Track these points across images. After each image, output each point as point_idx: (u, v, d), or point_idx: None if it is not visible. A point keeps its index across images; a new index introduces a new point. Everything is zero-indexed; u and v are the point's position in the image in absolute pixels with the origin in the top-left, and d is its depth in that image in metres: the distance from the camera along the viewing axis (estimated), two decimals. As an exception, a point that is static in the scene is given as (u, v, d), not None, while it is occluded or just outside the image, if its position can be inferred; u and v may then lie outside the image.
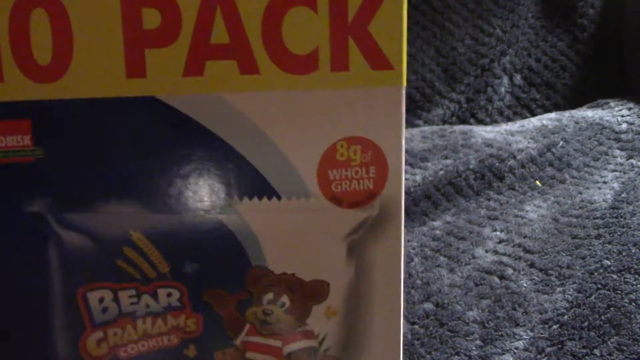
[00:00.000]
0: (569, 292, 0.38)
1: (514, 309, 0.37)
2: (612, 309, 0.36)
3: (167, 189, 0.22)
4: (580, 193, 0.49)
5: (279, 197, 0.22)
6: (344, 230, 0.22)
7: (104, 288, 0.22)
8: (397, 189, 0.22)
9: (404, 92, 0.22)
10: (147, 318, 0.22)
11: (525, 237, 0.44)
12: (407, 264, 0.42)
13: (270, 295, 0.22)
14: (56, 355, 0.22)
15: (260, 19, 0.21)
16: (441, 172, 0.50)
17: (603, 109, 0.61)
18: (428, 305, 0.38)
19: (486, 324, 0.37)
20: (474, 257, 0.42)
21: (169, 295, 0.22)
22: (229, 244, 0.22)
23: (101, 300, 0.22)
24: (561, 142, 0.55)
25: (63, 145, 0.21)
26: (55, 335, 0.22)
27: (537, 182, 0.51)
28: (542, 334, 0.35)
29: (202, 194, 0.22)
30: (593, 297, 0.37)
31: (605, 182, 0.50)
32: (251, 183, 0.22)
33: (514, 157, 0.52)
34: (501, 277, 0.40)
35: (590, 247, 0.41)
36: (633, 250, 0.40)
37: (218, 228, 0.22)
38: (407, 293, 0.40)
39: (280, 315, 0.22)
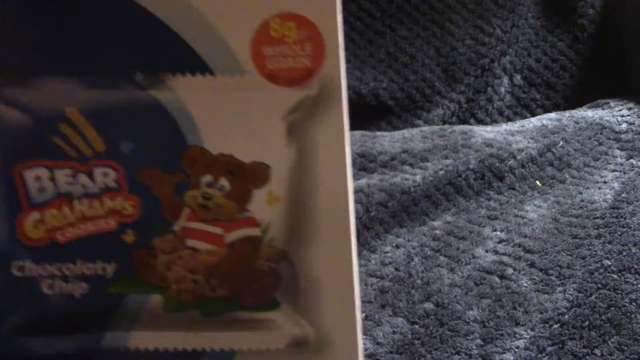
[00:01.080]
0: (570, 292, 0.38)
1: (515, 308, 0.37)
2: (612, 308, 0.36)
3: (100, 63, 0.21)
4: (580, 193, 0.49)
5: (212, 73, 0.21)
6: (282, 109, 0.22)
7: (40, 166, 0.21)
8: (335, 67, 0.22)
9: None
10: (83, 199, 0.22)
11: (525, 237, 0.44)
12: (407, 264, 0.42)
13: (208, 177, 0.22)
14: None
15: None
16: (441, 172, 0.50)
17: (603, 109, 0.61)
18: (428, 305, 0.38)
19: (486, 324, 0.37)
20: (474, 257, 0.42)
21: (105, 175, 0.22)
22: (164, 122, 0.22)
23: (38, 178, 0.21)
24: (561, 142, 0.55)
25: None
26: None
27: (537, 182, 0.51)
28: (542, 333, 0.35)
29: (135, 68, 0.21)
30: (593, 296, 0.37)
31: (605, 182, 0.50)
32: (183, 58, 0.21)
33: (514, 157, 0.52)
34: (501, 277, 0.40)
35: (590, 247, 0.41)
36: (633, 250, 0.40)
37: (152, 105, 0.21)
38: (407, 293, 0.40)
39: (219, 200, 0.22)
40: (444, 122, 0.65)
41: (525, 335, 0.35)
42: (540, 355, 0.34)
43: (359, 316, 0.24)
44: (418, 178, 0.50)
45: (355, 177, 0.52)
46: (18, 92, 0.21)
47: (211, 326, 0.23)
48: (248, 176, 0.22)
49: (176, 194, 0.22)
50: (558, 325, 0.36)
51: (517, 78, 0.67)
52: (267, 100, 0.22)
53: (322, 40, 0.21)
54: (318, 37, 0.21)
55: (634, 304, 0.36)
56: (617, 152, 0.55)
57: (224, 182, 0.22)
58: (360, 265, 0.43)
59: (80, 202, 0.22)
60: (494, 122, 0.65)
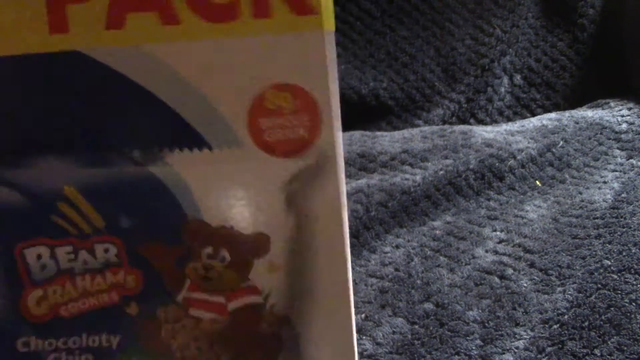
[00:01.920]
0: (569, 292, 0.38)
1: (514, 308, 0.37)
2: (612, 309, 0.36)
3: (96, 141, 0.21)
4: (580, 193, 0.49)
5: (210, 148, 0.22)
6: (280, 181, 0.22)
7: (41, 245, 0.22)
8: (331, 137, 0.22)
9: (328, 36, 0.21)
10: (86, 275, 0.22)
11: (525, 237, 0.44)
12: (407, 264, 0.42)
13: (209, 250, 0.22)
14: None
15: None
16: (441, 172, 0.50)
17: (603, 109, 0.61)
18: (428, 305, 0.38)
19: (486, 324, 0.37)
20: (474, 257, 0.42)
21: (106, 250, 0.22)
22: (163, 197, 0.22)
23: (39, 257, 0.22)
24: (561, 142, 0.55)
25: None
26: None
27: (537, 182, 0.51)
28: (542, 333, 0.35)
29: (132, 146, 0.21)
30: (593, 297, 0.37)
31: (605, 182, 0.50)
32: (180, 134, 0.21)
33: (514, 157, 0.52)
34: (501, 277, 0.40)
35: (590, 247, 0.41)
36: (633, 250, 0.40)
37: (150, 180, 0.22)
38: (407, 293, 0.40)
39: (221, 270, 0.22)
40: (444, 122, 0.65)
41: (525, 336, 0.35)
42: (539, 355, 0.34)
43: None
44: (418, 178, 0.50)
45: (355, 177, 0.52)
46: (14, 173, 0.21)
47: None
48: (249, 247, 0.22)
49: (177, 266, 0.22)
50: (558, 325, 0.36)
51: (517, 78, 0.67)
52: (265, 172, 0.22)
53: (317, 109, 0.22)
54: (314, 107, 0.21)
55: (633, 304, 0.36)
56: (617, 152, 0.55)
57: (225, 253, 0.22)
58: (360, 266, 0.43)
59: (83, 278, 0.22)
60: (494, 122, 0.65)
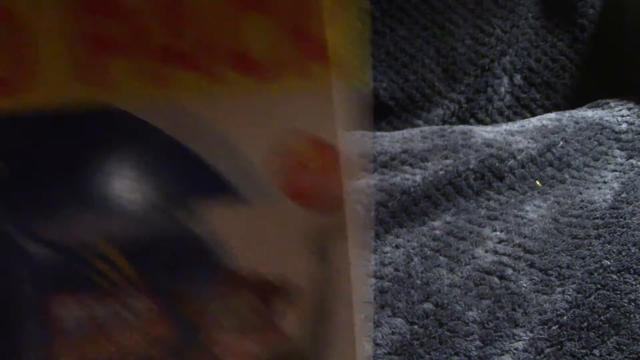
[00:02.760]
0: (569, 293, 0.38)
1: (514, 309, 0.37)
2: (611, 309, 0.36)
3: (130, 196, 0.22)
4: (580, 193, 0.49)
5: (244, 201, 0.22)
6: (311, 233, 0.22)
7: (75, 300, 0.22)
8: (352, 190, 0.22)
9: (363, 95, 0.21)
10: (122, 329, 0.22)
11: (525, 237, 0.44)
12: (406, 264, 0.42)
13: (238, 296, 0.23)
14: None
15: (222, 29, 0.21)
16: (441, 172, 0.50)
17: (603, 109, 0.61)
18: (428, 305, 0.38)
19: (486, 325, 0.37)
20: (473, 257, 0.42)
21: (142, 304, 0.22)
22: (197, 249, 0.22)
23: (73, 311, 0.22)
24: (561, 142, 0.55)
25: (24, 158, 0.21)
26: (26, 351, 0.22)
27: (537, 182, 0.51)
28: (541, 334, 0.35)
29: (166, 199, 0.22)
30: (592, 297, 0.37)
31: (605, 182, 0.50)
32: (214, 187, 0.22)
33: (514, 157, 0.52)
34: (501, 278, 0.40)
35: (590, 247, 0.41)
36: (633, 250, 0.40)
37: (184, 233, 0.22)
38: (406, 293, 0.40)
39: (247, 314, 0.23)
40: (444, 122, 0.65)
41: (524, 337, 0.35)
42: (538, 357, 0.34)
43: None
44: (418, 178, 0.50)
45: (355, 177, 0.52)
46: (47, 229, 0.22)
47: None
48: (276, 294, 0.23)
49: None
50: (557, 326, 0.36)
51: (517, 78, 0.67)
52: (296, 224, 0.22)
53: (342, 166, 0.22)
54: (339, 163, 0.22)
55: (633, 304, 0.36)
56: (617, 152, 0.55)
57: (253, 299, 0.23)
58: (359, 266, 0.43)
59: (119, 334, 0.22)
60: (494, 122, 0.65)
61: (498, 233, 0.44)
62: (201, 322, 0.23)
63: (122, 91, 0.21)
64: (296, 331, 0.23)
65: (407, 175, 0.50)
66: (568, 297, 0.37)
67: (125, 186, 0.22)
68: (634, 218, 0.43)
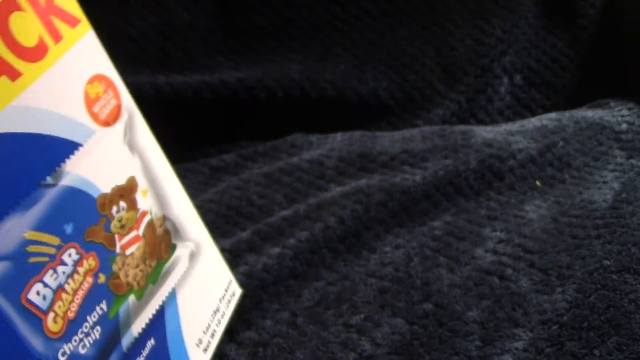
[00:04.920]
0: (569, 293, 0.38)
1: (514, 309, 0.37)
2: (611, 309, 0.36)
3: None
4: (580, 193, 0.49)
5: (81, 145, 0.29)
6: (121, 139, 0.32)
7: (34, 284, 0.26)
8: (128, 99, 0.33)
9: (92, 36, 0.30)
10: (69, 279, 0.28)
11: (525, 237, 0.44)
12: (406, 264, 0.42)
13: (114, 208, 0.31)
14: (34, 354, 0.26)
15: None
16: (441, 172, 0.50)
17: (603, 109, 0.61)
18: (427, 305, 0.38)
19: (486, 325, 0.37)
20: (473, 257, 0.42)
21: (69, 255, 0.28)
22: (81, 199, 0.29)
23: (38, 293, 0.26)
24: (561, 142, 0.55)
25: None
26: (26, 341, 0.26)
27: (537, 182, 0.51)
28: (541, 334, 0.35)
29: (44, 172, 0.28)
30: (593, 297, 0.37)
31: (605, 182, 0.50)
32: (61, 150, 0.28)
33: (514, 157, 0.52)
34: (501, 278, 0.40)
35: (590, 247, 0.41)
36: (633, 250, 0.40)
37: (69, 190, 0.29)
38: (406, 293, 0.40)
39: (126, 216, 0.31)
40: (444, 122, 0.65)
41: (524, 337, 0.35)
42: (539, 356, 0.34)
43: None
44: (418, 178, 0.50)
45: (355, 177, 0.52)
46: None
47: (159, 286, 0.34)
48: (129, 190, 0.32)
49: (106, 231, 0.30)
50: (557, 326, 0.36)
51: (517, 78, 0.67)
52: (115, 139, 0.31)
53: (114, 84, 0.31)
54: (112, 84, 0.31)
55: (633, 304, 0.36)
56: (617, 152, 0.55)
57: (122, 203, 0.31)
58: (359, 266, 0.43)
59: (68, 283, 0.28)
60: (494, 122, 0.65)
61: (498, 233, 0.44)
62: (104, 239, 0.31)
63: None
64: (147, 204, 0.33)
65: (407, 175, 0.50)
66: (568, 297, 0.37)
67: None
68: (634, 218, 0.43)
